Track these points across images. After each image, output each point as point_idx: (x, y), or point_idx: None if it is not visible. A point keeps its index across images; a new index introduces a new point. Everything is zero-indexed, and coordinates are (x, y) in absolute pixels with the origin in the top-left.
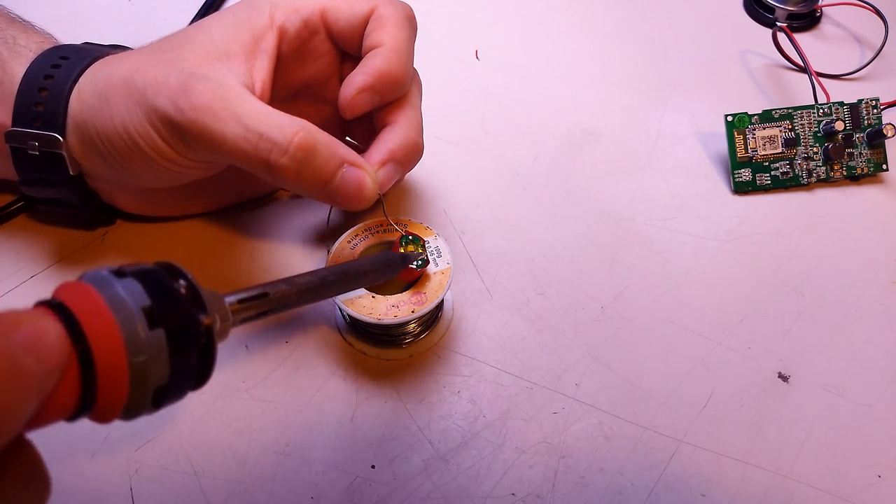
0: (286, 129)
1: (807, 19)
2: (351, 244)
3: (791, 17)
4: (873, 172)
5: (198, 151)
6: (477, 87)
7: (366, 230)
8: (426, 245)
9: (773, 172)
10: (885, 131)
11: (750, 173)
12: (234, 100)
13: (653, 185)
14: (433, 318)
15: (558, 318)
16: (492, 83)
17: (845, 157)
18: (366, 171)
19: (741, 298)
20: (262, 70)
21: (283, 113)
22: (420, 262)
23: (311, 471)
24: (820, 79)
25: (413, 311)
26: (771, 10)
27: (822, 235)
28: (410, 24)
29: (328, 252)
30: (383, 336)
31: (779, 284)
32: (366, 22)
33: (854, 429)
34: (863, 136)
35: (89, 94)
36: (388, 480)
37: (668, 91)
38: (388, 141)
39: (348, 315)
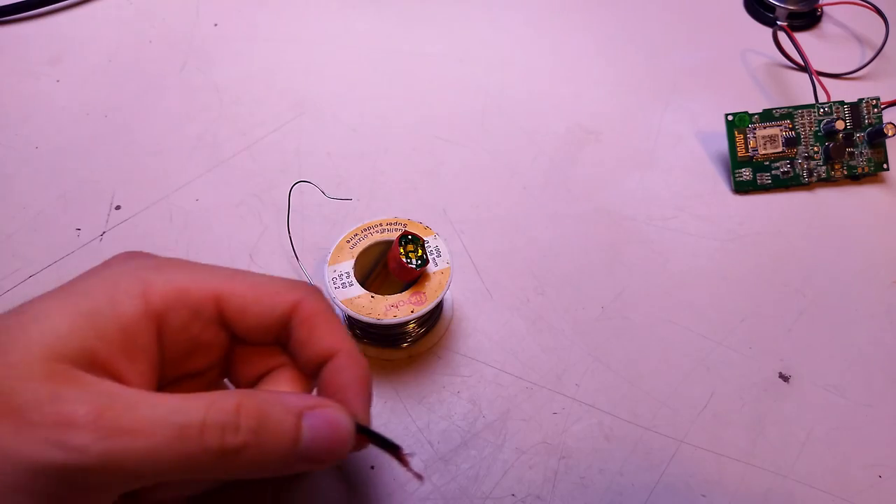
0: (220, 404)
1: (807, 18)
2: (350, 243)
3: (792, 16)
4: (874, 172)
5: (108, 492)
6: (477, 86)
7: (365, 230)
8: (425, 244)
9: (773, 172)
10: (885, 130)
11: (750, 173)
12: (139, 403)
13: (653, 185)
14: (433, 317)
15: (558, 318)
16: (492, 83)
17: (846, 156)
18: (329, 406)
19: (742, 298)
20: (141, 375)
21: (200, 393)
22: (419, 261)
23: (310, 472)
24: (820, 78)
25: (412, 311)
26: (771, 9)
27: (823, 235)
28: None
29: (329, 252)
30: (383, 336)
31: (779, 284)
32: (285, 320)
33: (855, 429)
34: (863, 136)
35: None
36: (388, 481)
37: (668, 90)
38: (341, 376)
39: (347, 315)
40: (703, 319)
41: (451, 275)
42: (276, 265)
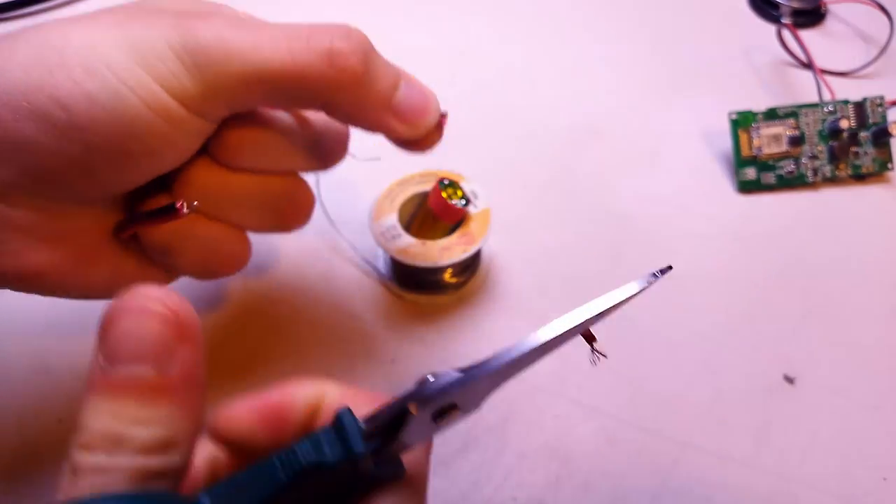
0: (334, 27)
1: (812, 16)
2: (388, 198)
3: (796, 13)
4: (879, 171)
5: (221, 89)
6: (478, 85)
7: (400, 185)
8: (462, 187)
9: (777, 171)
10: (890, 130)
11: (754, 172)
12: (253, 19)
13: (656, 184)
14: (474, 264)
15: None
16: (493, 82)
17: (850, 155)
18: (427, 88)
19: (745, 299)
20: None
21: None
22: (463, 200)
23: None
24: (825, 76)
25: (465, 251)
26: (776, 6)
27: (828, 235)
28: None
29: (370, 212)
30: (430, 282)
31: (784, 284)
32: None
33: (860, 431)
34: (868, 135)
35: (24, 52)
36: None
37: (671, 88)
38: None
39: (397, 263)
40: (707, 320)
41: (492, 213)
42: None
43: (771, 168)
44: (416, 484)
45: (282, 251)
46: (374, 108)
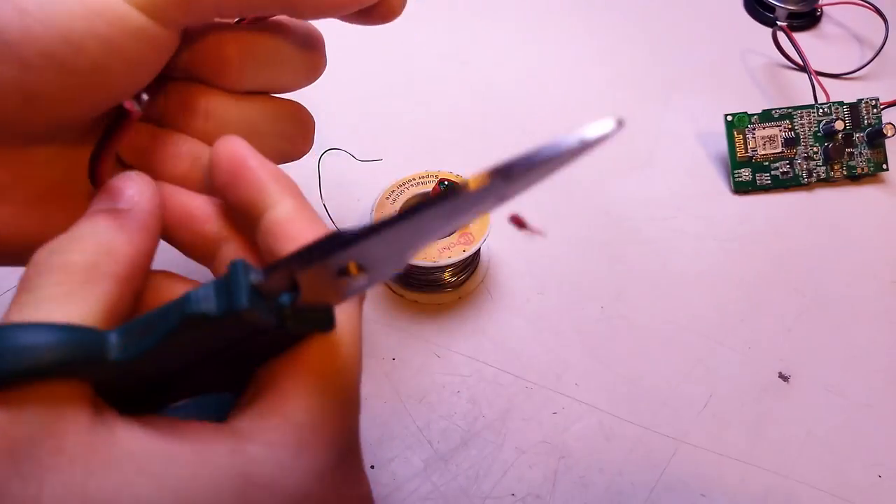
0: None
1: (807, 18)
2: (389, 199)
3: (791, 16)
4: (873, 172)
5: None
6: (477, 87)
7: (400, 186)
8: None
9: (773, 172)
10: (885, 131)
11: (750, 173)
12: None
13: (653, 185)
14: (474, 262)
15: (558, 318)
16: (492, 83)
17: (845, 156)
18: None
19: (741, 298)
20: None
21: None
22: None
23: None
24: (820, 78)
25: (464, 251)
26: (771, 9)
27: (823, 235)
28: None
29: (371, 212)
30: (429, 282)
31: (779, 284)
32: None
33: (854, 428)
34: (863, 136)
35: None
36: (388, 480)
37: (667, 90)
38: None
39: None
40: (703, 319)
41: (491, 214)
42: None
43: (766, 169)
44: (346, 336)
45: None
46: None
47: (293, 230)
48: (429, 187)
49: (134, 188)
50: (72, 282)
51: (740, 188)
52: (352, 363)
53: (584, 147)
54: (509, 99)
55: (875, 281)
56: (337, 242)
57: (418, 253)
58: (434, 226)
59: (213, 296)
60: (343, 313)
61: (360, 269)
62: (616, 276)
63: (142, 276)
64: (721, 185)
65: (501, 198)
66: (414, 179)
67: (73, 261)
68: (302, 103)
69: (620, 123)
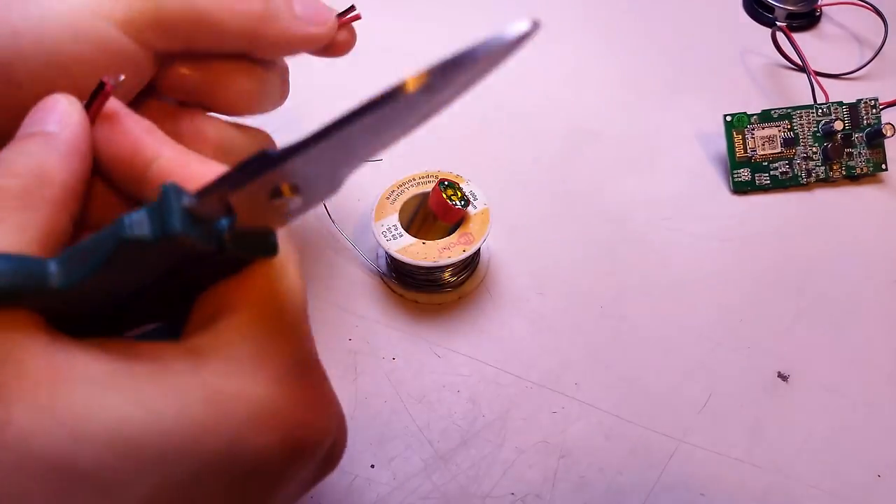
0: None
1: (806, 19)
2: (389, 199)
3: (790, 16)
4: (873, 172)
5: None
6: (477, 89)
7: (400, 186)
8: (461, 189)
9: (772, 172)
10: (884, 131)
11: (749, 173)
12: None
13: (652, 185)
14: (473, 262)
15: (558, 318)
16: (492, 83)
17: (844, 156)
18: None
19: (741, 298)
20: None
21: None
22: (462, 201)
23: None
24: (819, 78)
25: (464, 251)
26: (770, 9)
27: (822, 235)
28: None
29: (372, 211)
30: (429, 282)
31: (778, 284)
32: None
33: (854, 428)
34: (862, 136)
35: None
36: (388, 480)
37: (667, 91)
38: None
39: (395, 262)
40: (702, 319)
41: (490, 214)
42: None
43: (765, 169)
44: (290, 259)
45: None
46: (291, 30)
47: (187, 172)
48: (429, 187)
49: (62, 109)
50: (5, 208)
51: (739, 188)
52: (297, 284)
53: (510, 46)
54: (509, 99)
55: (874, 281)
56: (265, 161)
57: (353, 169)
58: (367, 138)
59: (147, 220)
60: (281, 239)
61: (294, 190)
62: (616, 276)
63: (78, 200)
64: (720, 186)
65: (434, 103)
66: (414, 179)
67: (5, 186)
68: (301, 104)
69: (536, 24)
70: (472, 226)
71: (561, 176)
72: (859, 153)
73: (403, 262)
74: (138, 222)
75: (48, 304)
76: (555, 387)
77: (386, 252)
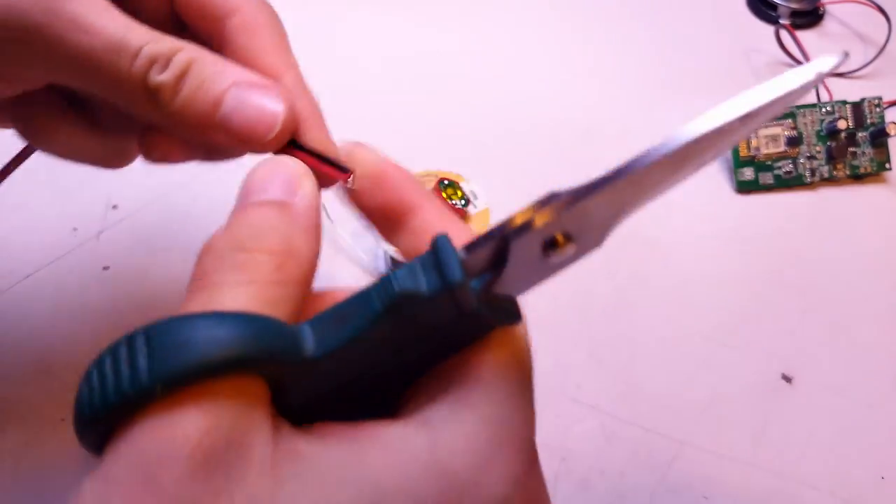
0: (163, 42)
1: (810, 17)
2: None
3: (794, 14)
4: (876, 171)
5: (32, 63)
6: (478, 86)
7: None
8: (461, 188)
9: (775, 171)
10: (888, 130)
11: (752, 172)
12: (104, 10)
13: None
14: None
15: (558, 318)
16: (492, 83)
17: (848, 156)
18: (269, 88)
19: (744, 298)
20: None
21: (153, 30)
22: (462, 201)
23: None
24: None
25: None
26: (774, 7)
27: (826, 235)
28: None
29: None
30: None
31: (782, 284)
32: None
33: (857, 430)
34: (866, 135)
35: None
36: None
37: (670, 89)
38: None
39: (396, 263)
40: (705, 320)
41: (490, 214)
42: None
43: (769, 168)
44: (524, 330)
45: None
46: (197, 128)
47: (446, 227)
48: (428, 187)
49: (292, 174)
50: (261, 282)
51: (743, 188)
52: (530, 358)
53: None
54: (510, 97)
55: (879, 281)
56: (554, 198)
57: (635, 211)
58: (659, 177)
59: (420, 273)
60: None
61: (568, 238)
62: (618, 276)
63: (313, 279)
64: (724, 185)
65: (733, 140)
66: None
67: (260, 261)
68: None
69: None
70: (473, 225)
71: (562, 175)
72: (863, 152)
73: (403, 263)
74: (410, 276)
75: (287, 376)
76: (556, 388)
77: (385, 252)
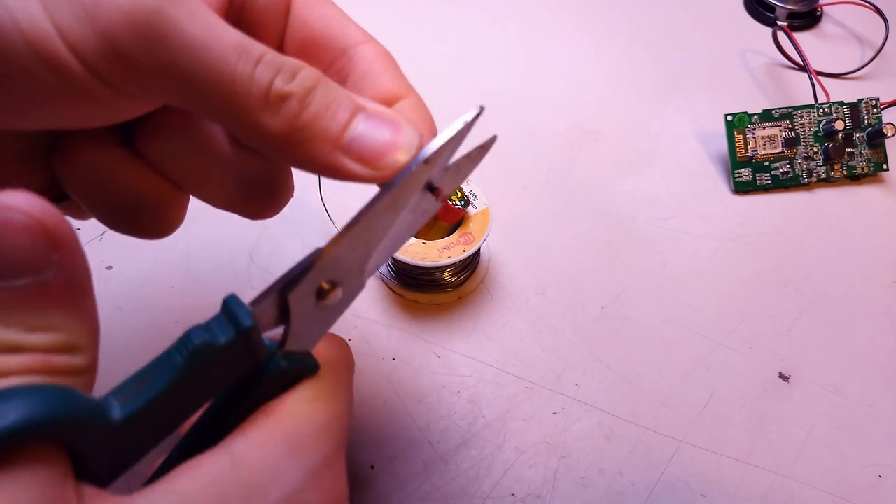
0: (287, 57)
1: (807, 18)
2: None
3: (791, 16)
4: (873, 172)
5: (145, 74)
6: (477, 87)
7: None
8: (461, 188)
9: (773, 172)
10: (885, 131)
11: (750, 173)
12: (215, 14)
13: (653, 185)
14: (473, 262)
15: (558, 318)
16: (492, 83)
17: (845, 156)
18: (397, 118)
19: (741, 298)
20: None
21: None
22: (462, 201)
23: None
24: (820, 78)
25: (464, 251)
26: (771, 9)
27: (823, 235)
28: None
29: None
30: (429, 282)
31: (779, 284)
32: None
33: (854, 429)
34: (863, 136)
35: None
36: (388, 480)
37: (668, 90)
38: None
39: (397, 262)
40: (703, 319)
41: (490, 214)
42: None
43: (766, 169)
44: (331, 375)
45: (284, 250)
46: (318, 149)
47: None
48: None
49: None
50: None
51: (740, 188)
52: (330, 415)
53: (466, 129)
54: (509, 98)
55: (875, 281)
56: (307, 262)
57: (391, 252)
58: (384, 221)
59: (216, 327)
60: (325, 351)
61: (333, 285)
62: (616, 276)
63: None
64: (721, 185)
65: (424, 180)
66: None
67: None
68: None
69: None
70: (473, 226)
71: (561, 176)
72: (860, 153)
73: (403, 262)
74: (206, 330)
75: (91, 446)
76: (555, 387)
77: None
